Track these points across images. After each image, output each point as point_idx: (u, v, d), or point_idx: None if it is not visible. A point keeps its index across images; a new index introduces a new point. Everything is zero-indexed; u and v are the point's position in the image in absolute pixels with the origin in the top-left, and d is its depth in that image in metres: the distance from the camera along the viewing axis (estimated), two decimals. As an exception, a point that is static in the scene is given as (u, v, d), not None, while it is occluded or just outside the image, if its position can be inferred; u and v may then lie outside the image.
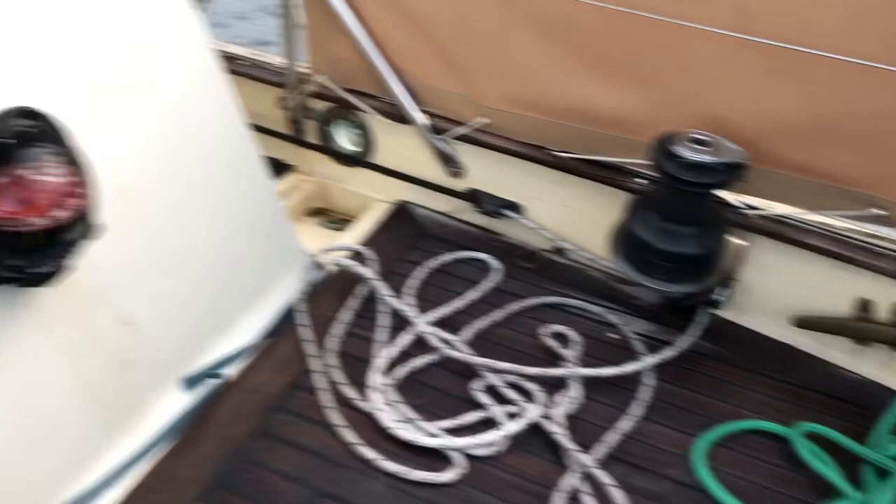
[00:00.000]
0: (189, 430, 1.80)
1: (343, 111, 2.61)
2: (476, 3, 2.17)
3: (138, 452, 1.73)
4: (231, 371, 1.94)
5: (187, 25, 1.89)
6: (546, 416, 1.86)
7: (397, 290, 2.22)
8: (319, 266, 2.32)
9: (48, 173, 1.39)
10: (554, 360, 2.05)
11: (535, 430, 1.85)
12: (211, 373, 1.91)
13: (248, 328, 2.06)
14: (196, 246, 1.95)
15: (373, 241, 2.45)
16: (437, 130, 2.45)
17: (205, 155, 1.96)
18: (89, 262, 1.52)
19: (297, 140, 2.74)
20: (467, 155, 2.48)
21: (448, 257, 2.39)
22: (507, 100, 2.30)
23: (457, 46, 2.29)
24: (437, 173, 2.55)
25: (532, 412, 1.85)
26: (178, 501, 1.65)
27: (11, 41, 1.51)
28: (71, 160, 1.44)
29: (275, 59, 2.65)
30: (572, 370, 1.98)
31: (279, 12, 2.49)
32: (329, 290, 2.24)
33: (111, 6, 1.72)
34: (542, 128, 2.28)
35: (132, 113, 1.75)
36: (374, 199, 2.69)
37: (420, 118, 2.44)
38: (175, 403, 1.84)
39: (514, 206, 2.48)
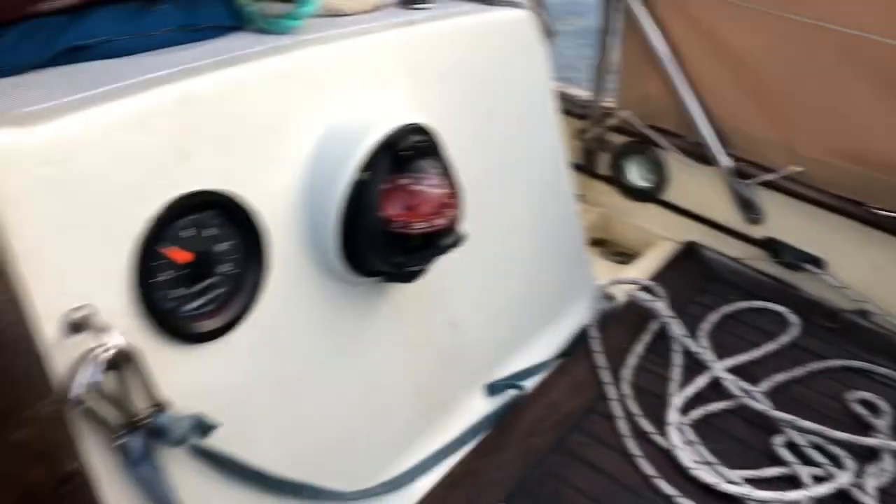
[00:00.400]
0: (492, 434, 1.90)
1: (640, 146, 2.65)
2: (809, 52, 2.13)
3: (448, 447, 1.85)
4: (529, 384, 2.04)
5: (536, 60, 2.03)
6: (856, 485, 1.76)
7: (690, 330, 2.21)
8: (608, 296, 2.36)
9: (430, 184, 1.55)
10: (861, 428, 1.94)
11: (841, 497, 1.76)
12: (512, 383, 2.01)
13: (544, 345, 2.15)
14: (511, 261, 2.07)
15: (660, 278, 2.46)
16: (740, 174, 2.42)
17: (530, 178, 2.08)
18: (434, 266, 1.67)
19: (588, 171, 2.82)
20: (769, 202, 2.42)
21: (742, 305, 2.34)
22: (827, 149, 2.22)
23: (779, 93, 2.25)
24: (731, 217, 2.52)
25: (842, 478, 1.76)
26: (484, 500, 1.75)
27: (404, 69, 1.72)
28: (446, 173, 1.61)
29: (579, 92, 2.76)
30: (887, 442, 1.85)
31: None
32: (620, 321, 2.27)
33: (474, 38, 1.90)
34: (865, 182, 2.18)
35: (482, 135, 1.90)
36: (657, 236, 2.70)
37: (725, 160, 2.42)
38: (480, 407, 1.95)
39: (816, 261, 2.38)
